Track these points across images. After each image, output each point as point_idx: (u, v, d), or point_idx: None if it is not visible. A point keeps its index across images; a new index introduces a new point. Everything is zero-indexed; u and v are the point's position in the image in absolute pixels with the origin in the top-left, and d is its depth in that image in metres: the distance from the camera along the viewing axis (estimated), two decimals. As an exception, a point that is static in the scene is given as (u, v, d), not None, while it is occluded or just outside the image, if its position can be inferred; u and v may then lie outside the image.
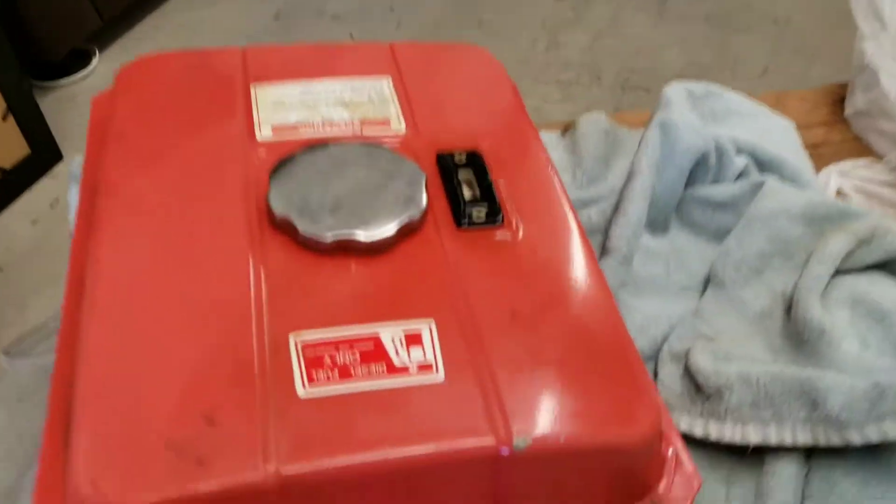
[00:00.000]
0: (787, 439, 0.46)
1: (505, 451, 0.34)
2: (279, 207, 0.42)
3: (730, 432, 0.48)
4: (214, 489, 0.32)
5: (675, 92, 0.67)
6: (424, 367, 0.37)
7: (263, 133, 0.49)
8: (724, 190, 0.63)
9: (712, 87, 0.73)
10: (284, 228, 0.42)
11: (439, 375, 0.36)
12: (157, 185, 0.45)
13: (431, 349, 0.37)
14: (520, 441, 0.34)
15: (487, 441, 0.34)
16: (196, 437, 0.33)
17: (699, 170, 0.64)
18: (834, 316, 0.51)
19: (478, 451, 0.34)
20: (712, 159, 0.64)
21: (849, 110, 0.79)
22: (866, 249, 0.54)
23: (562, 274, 0.43)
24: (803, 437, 0.46)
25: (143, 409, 0.34)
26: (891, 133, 0.73)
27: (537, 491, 0.37)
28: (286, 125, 0.49)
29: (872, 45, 0.74)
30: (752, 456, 0.48)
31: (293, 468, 0.32)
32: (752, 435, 0.47)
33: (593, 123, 0.72)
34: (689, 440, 0.48)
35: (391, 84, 0.54)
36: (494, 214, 0.44)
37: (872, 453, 0.46)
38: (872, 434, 0.44)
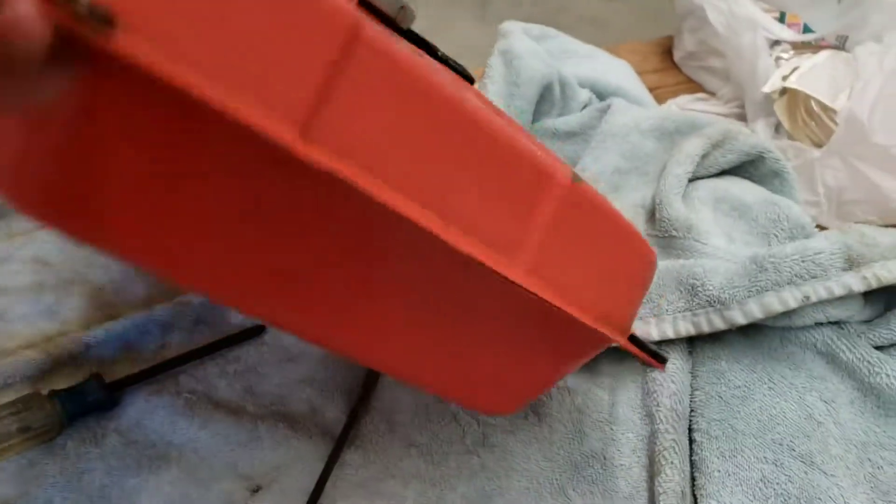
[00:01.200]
0: (669, 332, 0.44)
1: None
2: None
3: (609, 335, 0.44)
4: None
5: (513, 25, 0.64)
6: None
7: None
8: (571, 119, 0.61)
9: (547, 28, 0.71)
10: None
11: None
12: None
13: None
14: None
15: None
16: None
17: (544, 103, 0.62)
18: (699, 213, 0.50)
19: None
20: (557, 90, 0.62)
21: (678, 54, 0.80)
22: (720, 151, 0.53)
23: None
24: (685, 327, 0.43)
25: None
26: (720, 69, 0.74)
27: None
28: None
29: (696, -15, 0.74)
30: (634, 359, 0.45)
31: None
32: (633, 334, 0.44)
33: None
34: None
35: None
36: None
37: (755, 339, 0.44)
38: (755, 309, 0.41)
